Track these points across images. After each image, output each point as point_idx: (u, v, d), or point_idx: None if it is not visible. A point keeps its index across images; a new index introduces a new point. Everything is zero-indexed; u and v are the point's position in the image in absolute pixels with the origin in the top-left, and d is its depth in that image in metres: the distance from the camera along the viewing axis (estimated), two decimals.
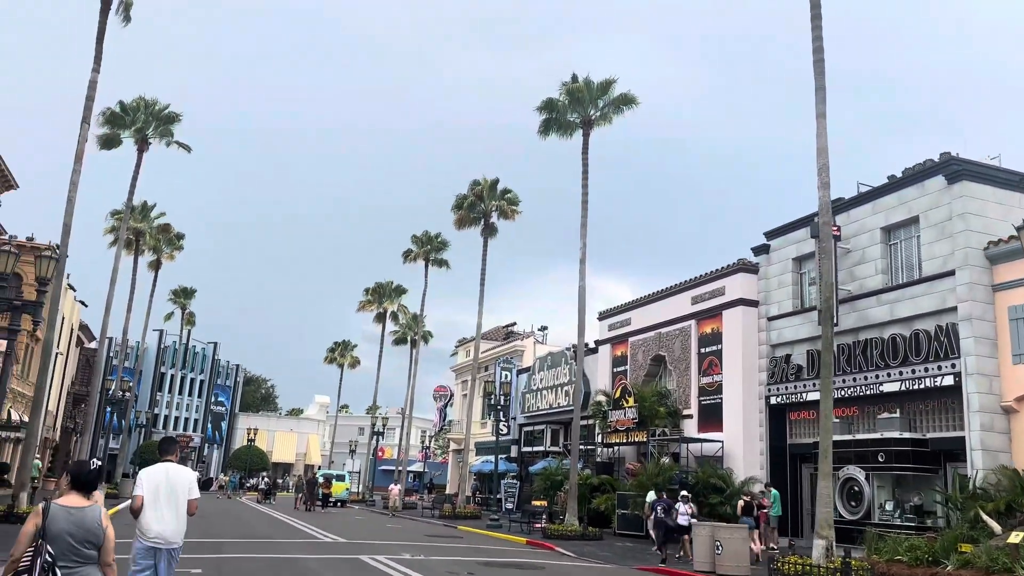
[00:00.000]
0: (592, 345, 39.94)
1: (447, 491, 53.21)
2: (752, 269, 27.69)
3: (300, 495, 34.11)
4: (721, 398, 27.57)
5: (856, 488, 22.56)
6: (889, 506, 22.17)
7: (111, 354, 65.38)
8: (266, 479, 53.18)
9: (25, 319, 38.92)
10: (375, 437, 51.39)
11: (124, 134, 33.91)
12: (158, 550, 6.85)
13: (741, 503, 22.41)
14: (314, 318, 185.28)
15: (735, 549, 15.87)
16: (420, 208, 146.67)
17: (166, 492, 6.95)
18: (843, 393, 23.35)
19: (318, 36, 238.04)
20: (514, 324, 53.79)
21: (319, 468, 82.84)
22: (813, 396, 24.38)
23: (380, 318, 59.44)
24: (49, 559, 4.82)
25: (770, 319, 26.84)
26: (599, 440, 33.02)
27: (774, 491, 23.44)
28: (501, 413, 32.84)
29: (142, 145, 34.07)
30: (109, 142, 33.88)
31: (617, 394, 31.29)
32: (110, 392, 42.24)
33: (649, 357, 32.34)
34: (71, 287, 47.63)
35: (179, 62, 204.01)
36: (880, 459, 21.92)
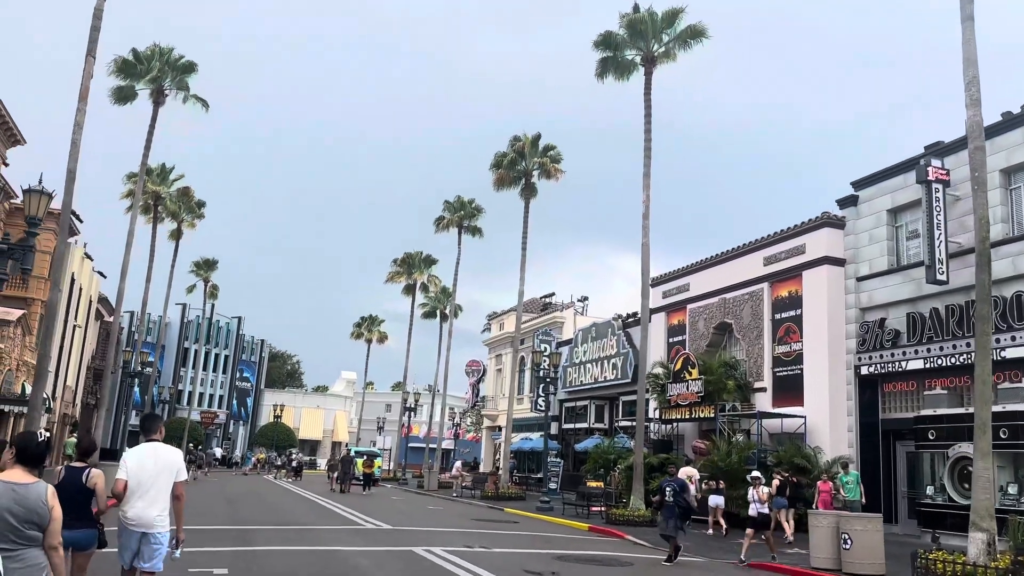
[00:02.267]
0: (632, 317, 37.18)
1: (480, 469, 50.82)
2: (838, 224, 24.64)
3: (335, 474, 31.50)
4: (801, 369, 24.65)
5: (971, 468, 19.59)
6: (1012, 489, 19.25)
7: (132, 329, 63.54)
8: (295, 456, 51.21)
9: (36, 287, 36.80)
10: (407, 413, 48.87)
11: (139, 85, 31.35)
12: (140, 535, 6.53)
13: (776, 480, 19.98)
14: (340, 293, 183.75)
15: (868, 544, 13.08)
16: (452, 184, 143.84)
17: (151, 474, 6.58)
18: (952, 360, 20.40)
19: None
20: (552, 295, 51.01)
21: (347, 445, 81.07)
22: (914, 364, 21.51)
23: (409, 290, 56.88)
24: None
25: (859, 279, 23.82)
26: (655, 415, 30.23)
27: (852, 472, 20.40)
28: (551, 387, 30.10)
29: (158, 97, 31.51)
30: (123, 96, 31.38)
31: (678, 365, 28.44)
32: (131, 366, 39.93)
33: (712, 325, 29.42)
34: (88, 256, 45.44)
35: (199, 9, 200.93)
36: (1002, 435, 18.94)
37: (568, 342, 43.22)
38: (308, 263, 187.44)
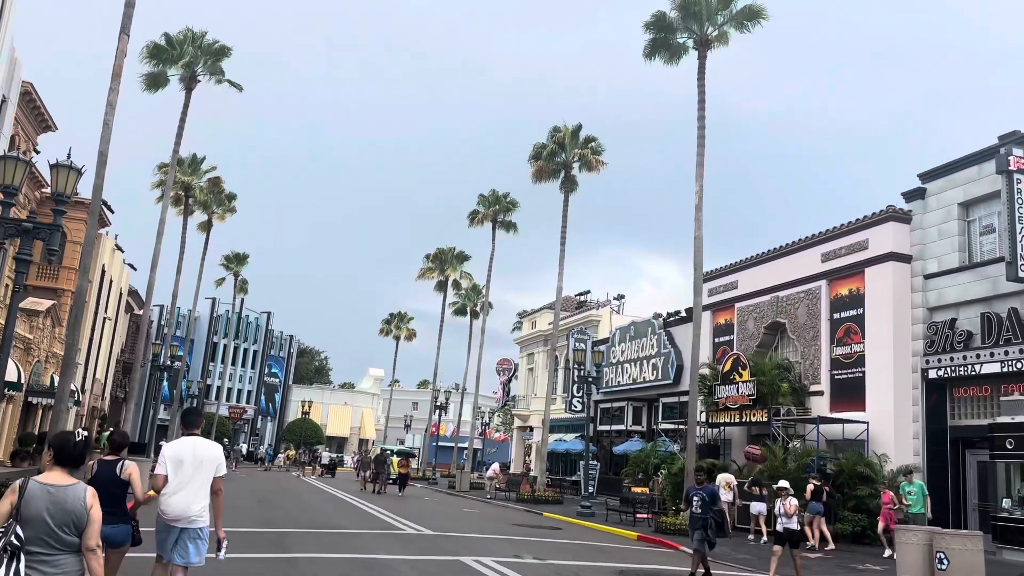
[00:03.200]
0: (683, 314, 35.85)
1: (511, 470, 49.70)
2: (904, 218, 23.20)
3: (367, 473, 30.33)
4: (863, 371, 23.24)
5: None
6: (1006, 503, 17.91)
7: (162, 322, 63.25)
8: (323, 453, 50.54)
9: (66, 277, 36.21)
10: (438, 411, 47.91)
11: (171, 71, 30.60)
12: (182, 529, 6.43)
13: (810, 486, 19.21)
14: (369, 291, 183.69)
15: (968, 564, 11.77)
16: (484, 184, 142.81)
17: (191, 469, 6.47)
18: None
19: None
20: (587, 293, 49.79)
21: (373, 442, 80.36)
22: (990, 368, 20.08)
23: (441, 286, 55.97)
24: (16, 542, 4.20)
25: (927, 277, 22.39)
26: (701, 419, 28.89)
27: (917, 482, 18.87)
28: (592, 386, 28.91)
29: (190, 83, 30.74)
30: (155, 82, 30.67)
31: (727, 367, 27.10)
32: (160, 359, 39.33)
33: (763, 325, 28.06)
34: (119, 248, 45.01)
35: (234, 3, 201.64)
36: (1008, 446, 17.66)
37: (604, 341, 41.96)
38: (338, 260, 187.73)
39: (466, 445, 73.32)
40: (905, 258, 22.90)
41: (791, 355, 26.72)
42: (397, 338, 71.86)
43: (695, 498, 12.92)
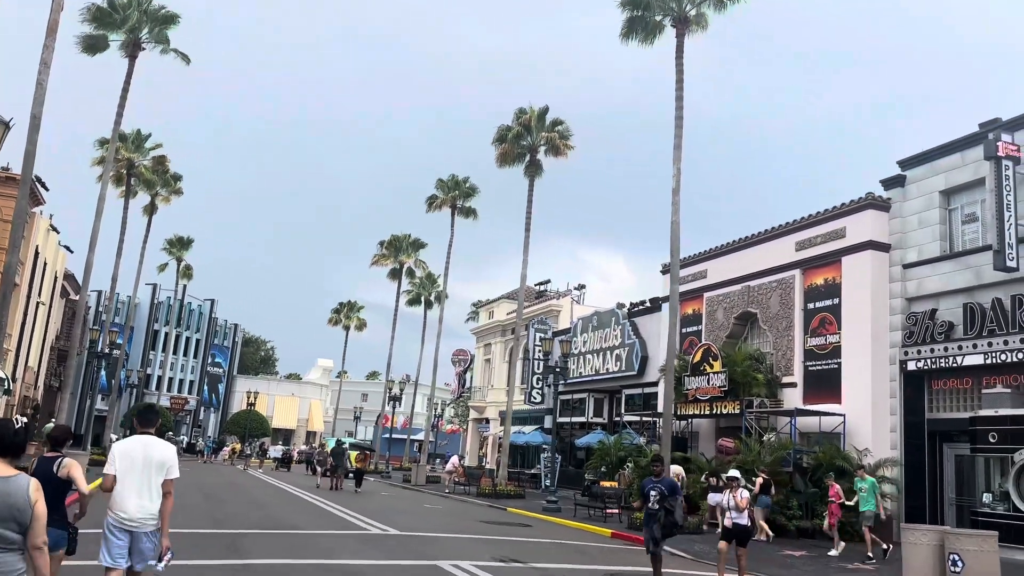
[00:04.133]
0: (647, 304, 35.17)
1: (465, 463, 48.56)
2: (883, 206, 22.67)
3: (322, 469, 28.53)
4: (838, 363, 22.68)
5: None
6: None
7: (100, 308, 60.38)
8: (281, 447, 48.82)
9: None
10: (392, 403, 46.44)
11: (112, 36, 28.54)
12: (133, 534, 6.08)
13: (759, 480, 18.97)
14: (319, 280, 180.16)
15: (985, 567, 11.04)
16: (441, 170, 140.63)
17: (142, 469, 6.13)
18: (1020, 356, 18.49)
19: None
20: (547, 282, 48.81)
21: (322, 435, 78.36)
22: (972, 360, 19.59)
23: (395, 274, 54.42)
24: None
25: (906, 266, 21.88)
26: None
27: (869, 479, 17.62)
28: (560, 377, 27.85)
29: (133, 50, 28.77)
30: (94, 45, 28.60)
31: (697, 357, 26.39)
32: (98, 346, 37.08)
33: (733, 315, 27.40)
34: (54, 228, 42.41)
35: None
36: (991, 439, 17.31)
37: (565, 331, 41.05)
38: (286, 247, 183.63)
39: (419, 437, 72.06)
40: (884, 247, 22.38)
41: (763, 346, 26.11)
42: (347, 328, 70.06)
43: (652, 492, 11.14)
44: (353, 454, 29.28)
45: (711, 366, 25.51)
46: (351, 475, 27.63)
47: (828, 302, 23.42)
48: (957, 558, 11.34)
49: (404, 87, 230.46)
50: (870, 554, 16.50)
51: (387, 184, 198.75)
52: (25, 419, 5.77)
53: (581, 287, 45.57)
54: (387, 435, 53.71)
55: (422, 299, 56.83)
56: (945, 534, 11.79)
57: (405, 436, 59.98)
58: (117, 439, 49.49)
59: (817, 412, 22.00)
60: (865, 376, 21.70)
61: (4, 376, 34.49)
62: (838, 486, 18.21)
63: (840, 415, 21.87)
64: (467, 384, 56.15)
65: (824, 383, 23.10)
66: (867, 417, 21.46)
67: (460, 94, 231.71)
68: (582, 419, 38.37)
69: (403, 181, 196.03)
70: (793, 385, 24.13)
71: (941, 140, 21.73)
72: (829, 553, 17.23)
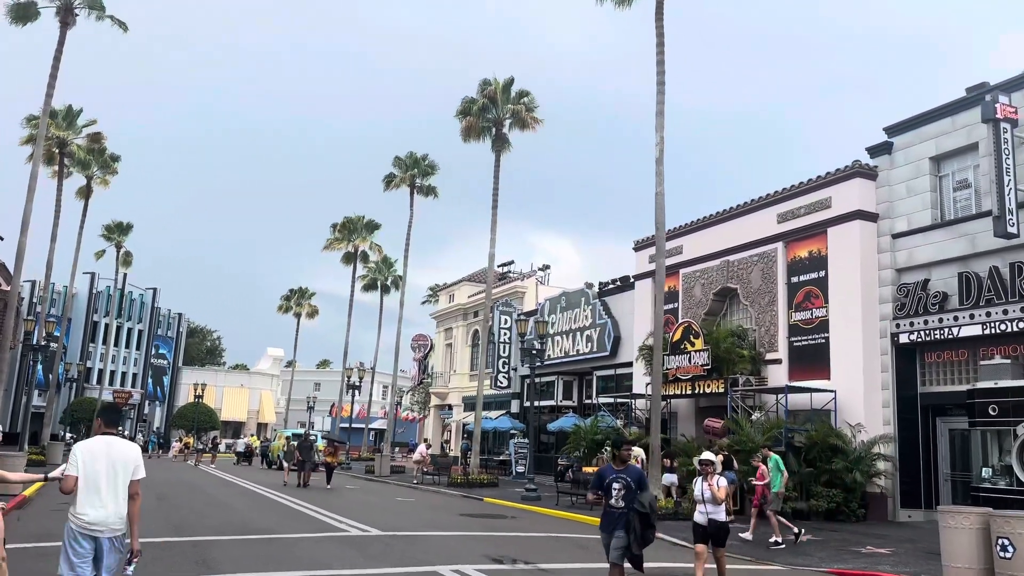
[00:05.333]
0: (618, 283, 34.15)
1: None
2: (870, 174, 21.91)
3: (290, 463, 26.47)
4: (826, 337, 21.93)
5: None
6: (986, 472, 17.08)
7: (34, 299, 57.10)
8: (242, 440, 46.89)
9: None
10: (351, 391, 44.73)
11: (42, 2, 26.20)
12: (98, 540, 5.79)
13: (720, 456, 17.00)
14: (266, 268, 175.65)
15: None
16: (404, 144, 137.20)
17: (107, 471, 5.89)
18: (1021, 325, 17.89)
19: None
20: (511, 263, 47.52)
21: (274, 427, 76.01)
22: (969, 331, 18.97)
23: (349, 258, 52.35)
24: None
25: (895, 236, 21.18)
26: (646, 391, 27.23)
27: (773, 455, 16.59)
28: (536, 359, 26.62)
29: (66, 16, 26.48)
30: (22, 13, 26.34)
31: (677, 335, 25.45)
32: (33, 339, 34.59)
33: (711, 291, 26.52)
34: None
35: None
36: (991, 412, 16.73)
37: (532, 313, 39.86)
38: (231, 234, 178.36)
39: (376, 426, 70.32)
40: (872, 216, 21.64)
41: (744, 322, 25.29)
42: (298, 315, 67.76)
43: (615, 485, 8.58)
44: (321, 446, 27.62)
45: (692, 344, 24.60)
46: (320, 469, 25.74)
47: (813, 275, 22.64)
48: (1007, 543, 10.45)
49: (357, 64, 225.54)
50: (778, 539, 14.93)
51: (339, 167, 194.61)
52: None
53: (546, 267, 44.60)
54: (345, 424, 51.93)
55: (378, 284, 55.01)
56: (991, 516, 10.89)
57: (363, 425, 58.22)
58: (73, 439, 46.76)
59: (807, 389, 21.21)
60: (855, 350, 20.97)
61: None
62: (764, 467, 16.98)
63: (831, 391, 21.12)
64: (427, 370, 54.66)
65: (811, 359, 22.34)
66: (858, 392, 20.74)
67: (414, 74, 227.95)
68: (551, 403, 37.31)
69: (357, 163, 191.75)
70: (778, 362, 23.34)
71: (912, 112, 21.03)
72: (741, 535, 15.89)
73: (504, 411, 40.37)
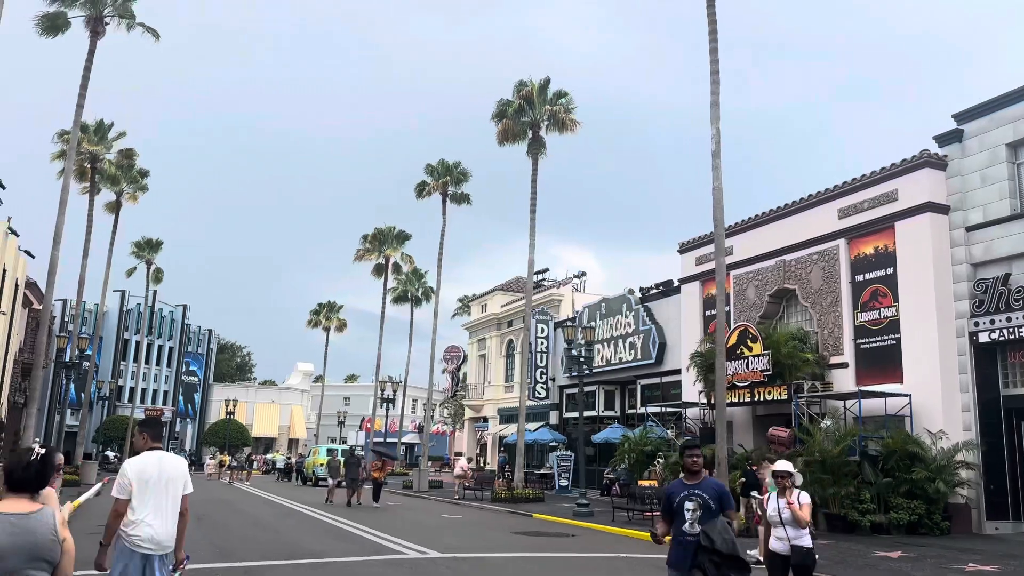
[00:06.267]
0: (660, 288, 32.98)
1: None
2: (940, 164, 20.64)
3: (335, 481, 25.00)
4: (897, 338, 20.63)
5: None
6: None
7: (66, 318, 56.95)
8: (281, 456, 45.96)
9: None
10: (384, 405, 43.83)
11: (71, 12, 25.69)
12: (149, 556, 5.57)
13: (765, 476, 16.22)
14: (294, 283, 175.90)
15: None
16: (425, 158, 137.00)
17: (158, 488, 5.66)
18: None
19: None
20: (546, 271, 46.45)
21: (305, 443, 75.37)
22: None
23: (380, 270, 51.73)
24: None
25: (970, 229, 19.88)
26: (701, 400, 26.02)
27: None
28: (583, 367, 25.50)
29: (96, 27, 25.96)
30: (53, 24, 25.89)
31: (733, 340, 24.21)
32: (65, 356, 34.04)
33: (767, 293, 25.29)
34: (12, 231, 39.15)
35: None
36: None
37: (569, 321, 38.78)
38: (259, 249, 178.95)
39: (408, 440, 69.42)
40: (943, 209, 20.36)
41: (804, 324, 24.02)
42: (327, 329, 67.32)
43: (687, 504, 6.37)
44: (372, 461, 26.29)
45: (749, 348, 23.37)
46: (364, 486, 24.26)
47: (880, 272, 21.36)
48: None
49: (386, 78, 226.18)
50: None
51: (363, 183, 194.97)
52: (42, 449, 4.13)
53: (582, 275, 43.36)
54: (380, 438, 51.03)
55: (408, 295, 54.29)
56: None
57: (396, 439, 57.25)
58: (117, 458, 45.92)
59: (882, 393, 19.87)
60: (931, 351, 19.65)
61: None
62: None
63: (905, 395, 19.80)
64: (460, 382, 53.65)
65: (880, 361, 21.03)
66: (936, 396, 19.41)
67: (441, 85, 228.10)
68: (592, 413, 36.12)
69: (383, 178, 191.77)
70: (844, 365, 22.04)
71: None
72: (750, 552, 14.70)
73: (542, 423, 39.24)
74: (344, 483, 23.92)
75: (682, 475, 6.66)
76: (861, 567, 13.38)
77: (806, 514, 7.82)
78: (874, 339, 21.32)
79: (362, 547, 14.18)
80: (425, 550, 13.76)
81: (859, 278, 22.00)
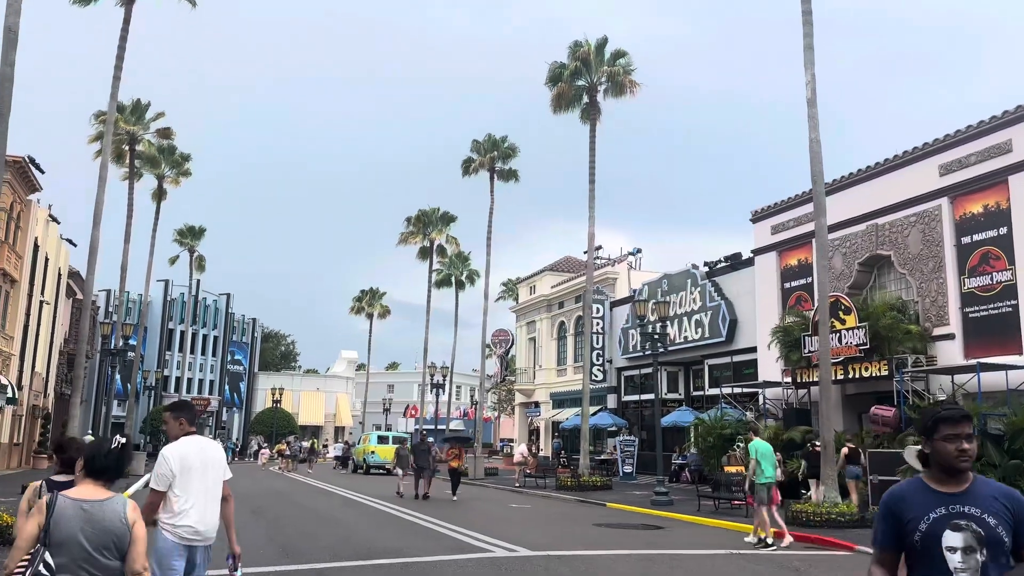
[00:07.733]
0: (723, 261, 30.99)
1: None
2: None
3: (405, 471, 22.73)
4: (1013, 304, 18.54)
5: None
6: None
7: (109, 308, 56.49)
8: (339, 444, 44.78)
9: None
10: (434, 391, 42.46)
11: None
12: (193, 547, 5.19)
13: (845, 449, 17.19)
14: (336, 270, 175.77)
15: None
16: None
17: (204, 474, 5.28)
18: None
19: None
20: (599, 248, 44.47)
21: (351, 430, 74.68)
22: None
23: (425, 253, 50.25)
24: (46, 572, 3.48)
25: None
26: (784, 379, 24.11)
27: (755, 442, 13.76)
28: (658, 345, 23.69)
29: None
30: None
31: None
32: (110, 343, 33.12)
33: (856, 261, 23.25)
34: (53, 219, 38.41)
35: None
36: None
37: (625, 301, 36.95)
38: (303, 237, 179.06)
39: (455, 426, 68.19)
40: None
41: (902, 293, 21.96)
42: (371, 316, 66.31)
43: (950, 535, 2.89)
44: (445, 448, 24.34)
45: (842, 322, 21.36)
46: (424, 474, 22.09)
47: (992, 233, 19.23)
48: None
49: (424, 64, 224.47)
50: (767, 539, 13.02)
51: (404, 168, 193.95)
52: (123, 439, 3.82)
53: (637, 251, 41.42)
54: (430, 425, 49.71)
55: (452, 280, 52.79)
56: None
57: (443, 426, 56.00)
58: (159, 445, 45.37)
59: (1002, 366, 17.78)
60: None
61: (7, 383, 30.60)
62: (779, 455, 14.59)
63: (1020, 367, 17.70)
64: (509, 367, 52.14)
65: (994, 331, 18.95)
66: None
67: (478, 69, 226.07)
68: (651, 396, 34.27)
69: (423, 164, 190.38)
70: (950, 337, 19.99)
71: None
72: (746, 540, 13.63)
73: (599, 407, 37.49)
74: (412, 472, 22.15)
75: (922, 473, 3.14)
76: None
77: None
78: (986, 307, 19.22)
79: (440, 543, 12.62)
80: (512, 547, 12.15)
81: (966, 240, 19.89)
